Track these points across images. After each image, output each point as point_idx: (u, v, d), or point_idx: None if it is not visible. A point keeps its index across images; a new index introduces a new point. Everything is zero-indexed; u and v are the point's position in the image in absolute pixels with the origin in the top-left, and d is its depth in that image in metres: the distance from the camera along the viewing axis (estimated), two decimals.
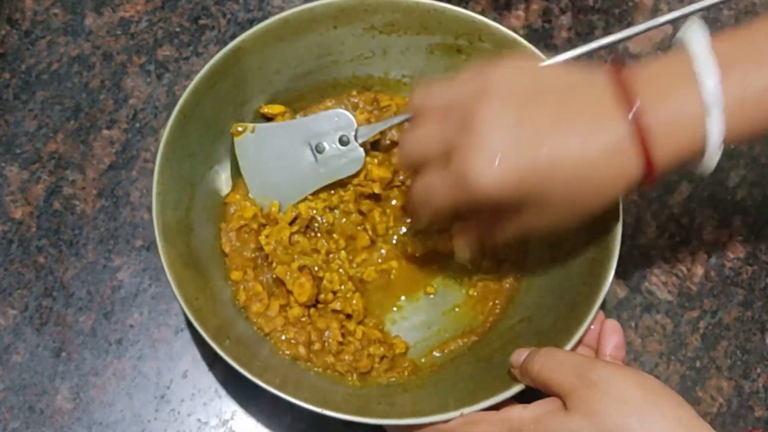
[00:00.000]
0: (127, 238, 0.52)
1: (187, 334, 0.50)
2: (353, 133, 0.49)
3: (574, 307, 0.45)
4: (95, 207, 0.53)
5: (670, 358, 0.51)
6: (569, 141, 0.36)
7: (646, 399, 0.36)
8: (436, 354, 0.49)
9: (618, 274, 0.53)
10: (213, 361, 0.49)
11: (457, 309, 0.51)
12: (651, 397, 0.36)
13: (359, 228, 0.51)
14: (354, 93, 0.54)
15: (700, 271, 0.53)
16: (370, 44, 0.52)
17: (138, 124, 0.56)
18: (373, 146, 0.52)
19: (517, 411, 0.40)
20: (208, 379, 0.49)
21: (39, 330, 0.50)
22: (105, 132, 0.56)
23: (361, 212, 0.51)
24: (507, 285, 0.50)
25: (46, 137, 0.55)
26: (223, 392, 0.49)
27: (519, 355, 0.41)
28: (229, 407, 0.49)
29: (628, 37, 0.42)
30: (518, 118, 0.36)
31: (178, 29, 0.59)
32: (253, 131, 0.50)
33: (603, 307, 0.52)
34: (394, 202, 0.52)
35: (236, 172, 0.52)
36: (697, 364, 0.51)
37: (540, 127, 0.36)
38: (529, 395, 0.47)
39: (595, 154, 0.36)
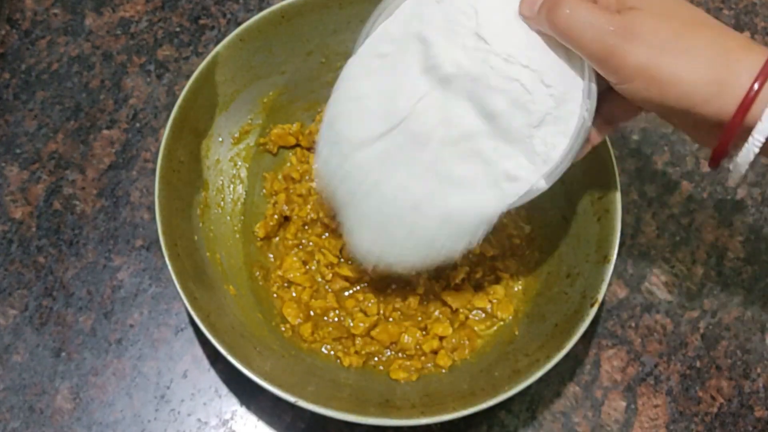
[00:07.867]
0: (127, 238, 0.52)
1: (187, 334, 0.50)
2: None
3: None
4: (95, 207, 0.53)
5: (670, 358, 0.51)
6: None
7: None
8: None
9: (618, 274, 0.53)
10: (213, 360, 0.49)
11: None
12: None
13: None
14: None
15: (700, 271, 0.53)
16: None
17: (138, 124, 0.56)
18: None
19: None
20: (208, 379, 0.49)
21: (39, 330, 0.50)
22: (105, 132, 0.56)
23: None
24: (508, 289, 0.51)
25: (46, 137, 0.55)
26: (223, 392, 0.49)
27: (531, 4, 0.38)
28: (229, 407, 0.49)
29: None
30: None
31: (178, 29, 0.59)
32: None
33: (602, 307, 0.52)
34: None
35: None
36: (697, 364, 0.51)
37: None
38: (524, 398, 0.47)
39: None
